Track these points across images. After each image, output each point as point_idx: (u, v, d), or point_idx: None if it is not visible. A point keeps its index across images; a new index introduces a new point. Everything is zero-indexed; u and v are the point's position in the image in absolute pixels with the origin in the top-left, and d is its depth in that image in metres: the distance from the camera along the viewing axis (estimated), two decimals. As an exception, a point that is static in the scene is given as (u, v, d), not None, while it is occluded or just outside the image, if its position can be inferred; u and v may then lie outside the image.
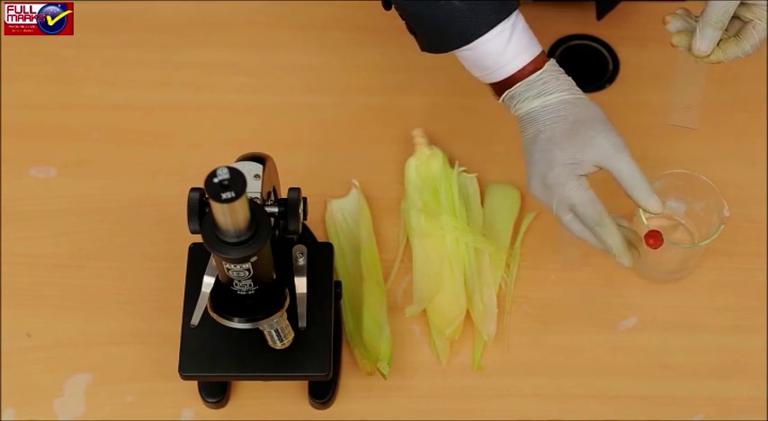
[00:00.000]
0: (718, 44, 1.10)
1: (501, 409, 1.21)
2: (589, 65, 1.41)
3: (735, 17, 1.10)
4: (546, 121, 1.10)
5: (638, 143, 1.34)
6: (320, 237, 1.29)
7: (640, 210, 1.20)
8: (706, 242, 1.20)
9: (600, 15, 1.40)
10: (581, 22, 1.41)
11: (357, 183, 1.31)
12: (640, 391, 1.22)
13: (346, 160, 1.34)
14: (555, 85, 1.11)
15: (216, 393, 1.20)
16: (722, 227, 1.19)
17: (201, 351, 1.13)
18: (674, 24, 1.12)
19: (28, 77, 1.40)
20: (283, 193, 1.10)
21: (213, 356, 1.13)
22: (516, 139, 1.36)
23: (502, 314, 1.25)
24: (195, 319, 1.08)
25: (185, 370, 1.13)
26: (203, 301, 1.07)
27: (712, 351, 1.24)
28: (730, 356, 1.23)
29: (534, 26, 1.42)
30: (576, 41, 1.42)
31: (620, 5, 1.41)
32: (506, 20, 1.09)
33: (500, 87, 1.13)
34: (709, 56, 1.10)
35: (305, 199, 1.11)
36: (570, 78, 1.13)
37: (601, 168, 1.09)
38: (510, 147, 1.35)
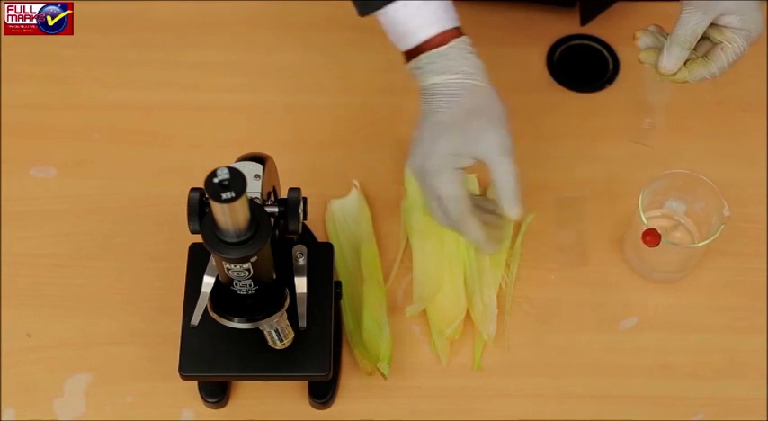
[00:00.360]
0: (685, 64, 1.10)
1: (501, 409, 1.21)
2: (589, 65, 1.41)
3: (705, 38, 1.11)
4: (443, 103, 1.09)
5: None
6: (320, 237, 1.29)
7: (640, 210, 1.20)
8: (706, 242, 1.20)
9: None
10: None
11: (357, 183, 1.31)
12: (640, 391, 1.22)
13: (346, 160, 1.34)
14: (459, 65, 1.10)
15: (216, 393, 1.20)
16: (722, 227, 1.19)
17: (201, 351, 1.13)
18: (643, 40, 1.13)
19: (28, 77, 1.40)
20: (283, 193, 1.10)
21: (213, 356, 1.13)
22: (515, 141, 1.36)
23: (502, 314, 1.25)
24: (195, 319, 1.08)
25: (185, 370, 1.13)
26: (203, 301, 1.07)
27: (712, 351, 1.24)
28: (730, 356, 1.23)
29: (534, 26, 1.43)
30: (576, 41, 1.42)
31: (619, 5, 1.41)
32: None
33: (408, 57, 1.12)
34: (674, 75, 1.11)
35: (305, 199, 1.11)
36: (480, 62, 1.12)
37: (480, 161, 1.09)
38: (510, 147, 1.35)
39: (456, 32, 1.11)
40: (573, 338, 1.24)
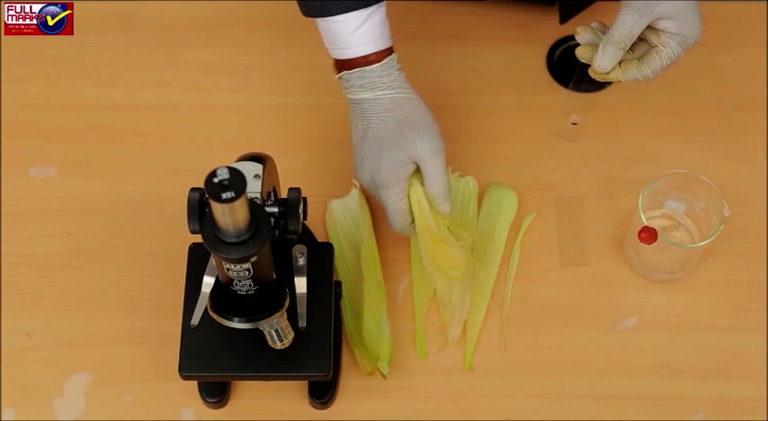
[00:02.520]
0: (620, 64, 1.12)
1: (501, 409, 1.21)
2: (589, 65, 1.40)
3: (643, 40, 1.12)
4: (374, 119, 1.16)
5: (638, 143, 1.35)
6: (320, 237, 1.29)
7: (640, 210, 1.20)
8: (706, 242, 1.20)
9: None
10: (581, 23, 1.41)
11: (357, 183, 1.31)
12: (640, 391, 1.22)
13: (346, 160, 1.33)
14: (387, 81, 1.16)
15: (216, 393, 1.20)
16: (722, 227, 1.19)
17: (201, 351, 1.13)
18: (583, 36, 1.14)
19: (28, 77, 1.40)
20: (283, 193, 1.10)
21: (213, 356, 1.13)
22: (515, 141, 1.36)
23: (500, 314, 1.25)
24: (195, 319, 1.08)
25: (185, 370, 1.13)
26: (203, 301, 1.07)
27: (712, 351, 1.24)
28: (730, 356, 1.23)
29: (534, 26, 1.43)
30: (576, 41, 1.42)
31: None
32: (363, 9, 1.13)
33: (340, 66, 1.17)
34: (608, 73, 1.12)
35: (305, 199, 1.11)
36: (403, 75, 1.17)
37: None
38: (509, 147, 1.35)
39: (389, 52, 1.16)
40: (573, 338, 1.24)
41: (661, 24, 1.10)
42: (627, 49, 1.11)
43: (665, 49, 1.11)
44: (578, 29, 1.14)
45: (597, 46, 1.12)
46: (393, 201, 1.17)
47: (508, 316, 1.25)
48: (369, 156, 1.17)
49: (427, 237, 1.19)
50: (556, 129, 1.22)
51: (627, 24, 1.09)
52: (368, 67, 1.15)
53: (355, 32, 1.14)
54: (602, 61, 1.11)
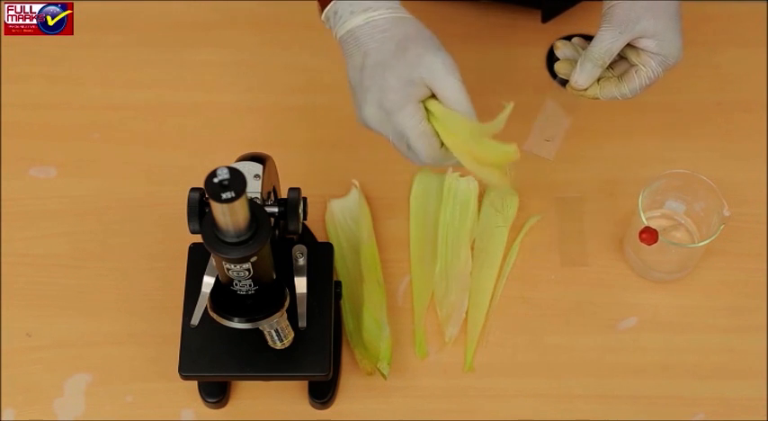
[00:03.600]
0: (598, 81, 1.11)
1: (501, 409, 1.21)
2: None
3: (623, 58, 1.11)
4: (372, 44, 1.03)
5: (638, 143, 1.35)
6: (320, 237, 1.29)
7: (640, 210, 1.20)
8: (706, 242, 1.20)
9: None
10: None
11: (357, 183, 1.31)
12: (640, 391, 1.22)
13: (346, 160, 1.34)
14: (380, 1, 1.04)
15: (216, 393, 1.20)
16: (722, 227, 1.19)
17: (201, 351, 1.13)
18: (563, 51, 1.14)
19: (28, 77, 1.40)
20: (283, 193, 1.10)
21: (213, 356, 1.13)
22: (516, 141, 1.36)
23: (497, 313, 1.25)
24: (195, 319, 1.08)
25: (185, 370, 1.13)
26: (203, 301, 1.07)
27: (712, 351, 1.24)
28: (730, 356, 1.23)
29: (534, 26, 1.43)
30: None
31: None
32: None
33: (323, 3, 1.06)
34: (586, 90, 1.12)
35: (305, 199, 1.11)
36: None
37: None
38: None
39: None
40: (573, 338, 1.24)
41: (641, 43, 1.10)
42: (605, 66, 1.10)
43: (645, 69, 1.10)
44: (558, 43, 1.14)
45: (576, 61, 1.11)
46: (412, 125, 1.02)
47: (506, 316, 1.25)
48: (370, 85, 1.03)
49: (462, 138, 1.04)
50: (530, 146, 1.22)
51: (606, 41, 1.08)
52: None
53: None
54: (579, 78, 1.11)
